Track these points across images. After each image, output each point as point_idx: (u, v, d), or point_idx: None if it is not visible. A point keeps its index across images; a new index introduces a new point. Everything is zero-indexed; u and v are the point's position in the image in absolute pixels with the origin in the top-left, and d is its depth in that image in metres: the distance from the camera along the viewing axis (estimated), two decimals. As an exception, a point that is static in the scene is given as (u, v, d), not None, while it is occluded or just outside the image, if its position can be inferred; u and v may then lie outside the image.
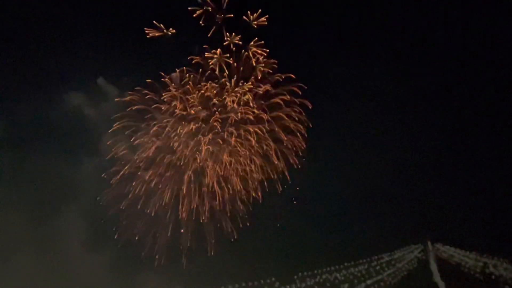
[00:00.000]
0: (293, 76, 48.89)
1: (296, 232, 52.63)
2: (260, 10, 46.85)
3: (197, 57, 47.52)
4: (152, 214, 47.40)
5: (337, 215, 53.31)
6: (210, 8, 47.05)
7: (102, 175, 46.64)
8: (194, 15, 46.69)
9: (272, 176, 49.21)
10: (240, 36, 47.45)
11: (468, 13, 53.26)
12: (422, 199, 54.38)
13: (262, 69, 48.92)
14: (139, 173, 47.98)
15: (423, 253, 55.70)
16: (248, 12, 46.80)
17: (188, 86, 48.08)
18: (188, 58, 47.28)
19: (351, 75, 54.37)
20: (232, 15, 47.27)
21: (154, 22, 46.42)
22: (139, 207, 47.26)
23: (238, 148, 49.22)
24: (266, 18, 47.33)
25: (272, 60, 48.78)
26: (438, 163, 55.21)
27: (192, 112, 48.83)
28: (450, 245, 54.49)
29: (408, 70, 54.77)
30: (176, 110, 48.51)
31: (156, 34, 46.71)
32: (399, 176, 54.57)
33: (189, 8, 46.29)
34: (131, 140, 47.50)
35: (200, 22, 46.92)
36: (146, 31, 46.51)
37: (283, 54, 49.30)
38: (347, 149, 53.94)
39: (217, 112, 48.97)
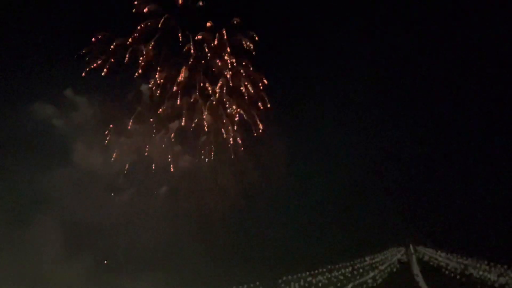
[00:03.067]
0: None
1: (280, 237, 52.21)
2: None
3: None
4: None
5: (320, 219, 53.25)
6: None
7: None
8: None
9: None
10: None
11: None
12: (404, 201, 54.82)
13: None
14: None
15: (406, 255, 56.08)
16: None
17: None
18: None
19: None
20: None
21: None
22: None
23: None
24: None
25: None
26: (420, 166, 56.10)
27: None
28: (432, 247, 55.15)
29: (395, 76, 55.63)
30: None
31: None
32: (381, 180, 55.14)
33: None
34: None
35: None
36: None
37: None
38: (328, 154, 53.94)
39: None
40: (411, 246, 55.83)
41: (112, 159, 47.29)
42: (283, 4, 53.93)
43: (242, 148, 50.75)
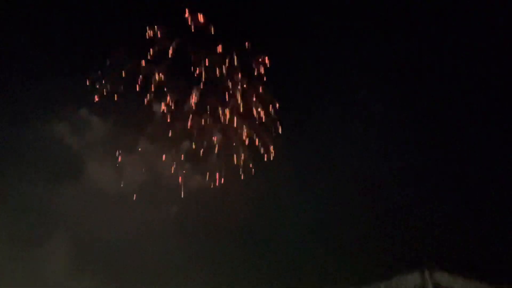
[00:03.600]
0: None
1: (288, 260, 52.01)
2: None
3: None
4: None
5: (333, 241, 52.97)
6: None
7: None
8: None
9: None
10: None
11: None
12: (420, 225, 53.66)
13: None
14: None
15: (422, 281, 53.56)
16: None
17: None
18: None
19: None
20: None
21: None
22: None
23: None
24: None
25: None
26: (438, 188, 54.72)
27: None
28: (449, 273, 52.58)
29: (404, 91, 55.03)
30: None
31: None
32: (397, 202, 53.91)
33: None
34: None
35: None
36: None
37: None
38: (340, 175, 53.61)
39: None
40: (426, 272, 53.43)
41: (123, 178, 48.57)
42: (295, 29, 55.19)
43: (252, 171, 51.02)
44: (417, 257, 53.10)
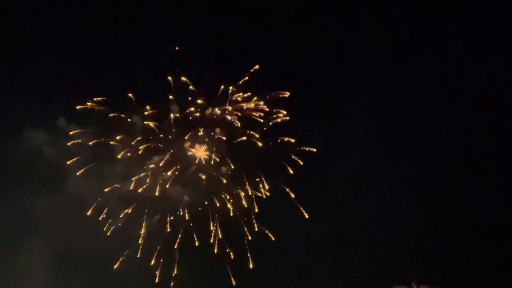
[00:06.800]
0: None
1: (281, 276, 50.63)
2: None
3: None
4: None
5: (321, 256, 51.56)
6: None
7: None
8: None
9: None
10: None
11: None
12: (407, 239, 52.37)
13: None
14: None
15: (409, 294, 52.37)
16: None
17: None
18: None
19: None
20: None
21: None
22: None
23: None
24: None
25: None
26: (425, 202, 53.49)
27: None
28: (436, 287, 51.36)
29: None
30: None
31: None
32: (384, 217, 52.90)
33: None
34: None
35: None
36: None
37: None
38: (329, 190, 52.44)
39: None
40: (414, 285, 52.19)
41: (104, 188, 48.32)
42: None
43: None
44: (405, 271, 52.80)
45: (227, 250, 48.10)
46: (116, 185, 47.54)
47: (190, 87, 48.90)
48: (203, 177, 48.54)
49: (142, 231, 47.40)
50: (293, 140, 48.91)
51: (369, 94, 54.09)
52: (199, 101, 49.28)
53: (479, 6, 52.96)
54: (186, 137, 49.49)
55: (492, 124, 52.08)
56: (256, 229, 48.11)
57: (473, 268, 49.20)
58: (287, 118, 49.04)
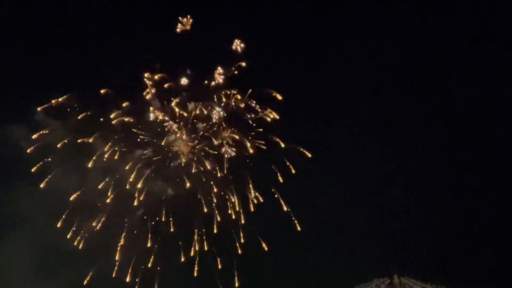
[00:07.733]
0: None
1: (262, 267, 50.76)
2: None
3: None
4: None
5: (301, 250, 51.85)
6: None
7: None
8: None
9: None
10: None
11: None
12: (387, 231, 53.19)
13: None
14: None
15: (390, 287, 53.95)
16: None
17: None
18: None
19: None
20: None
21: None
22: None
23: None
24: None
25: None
26: (405, 195, 54.40)
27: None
28: (417, 279, 52.97)
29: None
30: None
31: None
32: (365, 209, 53.29)
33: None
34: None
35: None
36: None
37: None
38: (310, 186, 52.21)
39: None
40: (395, 277, 53.70)
41: (86, 183, 46.79)
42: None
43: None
44: (386, 264, 54.19)
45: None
46: (81, 192, 45.52)
47: (171, 83, 46.53)
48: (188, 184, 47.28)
49: (121, 243, 46.16)
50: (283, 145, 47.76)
51: (363, 98, 53.05)
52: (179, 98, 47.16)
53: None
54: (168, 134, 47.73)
55: (492, 124, 52.23)
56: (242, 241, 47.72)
57: (455, 259, 50.59)
58: (278, 117, 47.56)
